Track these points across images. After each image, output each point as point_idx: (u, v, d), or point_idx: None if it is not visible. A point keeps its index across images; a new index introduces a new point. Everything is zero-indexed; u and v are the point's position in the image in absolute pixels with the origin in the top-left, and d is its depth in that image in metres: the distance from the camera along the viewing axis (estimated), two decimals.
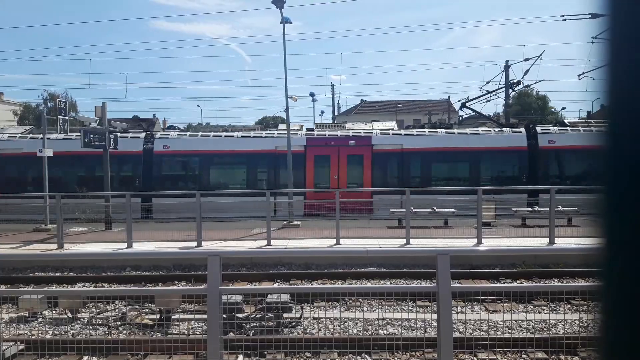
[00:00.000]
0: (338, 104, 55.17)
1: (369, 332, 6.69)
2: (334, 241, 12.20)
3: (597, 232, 0.63)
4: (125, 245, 12.11)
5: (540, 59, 25.97)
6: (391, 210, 15.17)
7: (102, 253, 10.59)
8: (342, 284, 9.31)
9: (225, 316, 5.50)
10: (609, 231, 0.63)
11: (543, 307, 7.60)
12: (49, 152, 15.98)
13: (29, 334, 6.83)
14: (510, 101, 34.81)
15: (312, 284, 9.32)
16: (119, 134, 17.53)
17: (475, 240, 11.95)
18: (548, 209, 12.35)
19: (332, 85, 51.10)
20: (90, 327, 7.04)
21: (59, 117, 16.00)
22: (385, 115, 49.87)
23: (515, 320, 6.90)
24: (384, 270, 10.22)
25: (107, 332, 6.88)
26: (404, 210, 12.89)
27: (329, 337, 6.32)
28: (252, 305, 7.49)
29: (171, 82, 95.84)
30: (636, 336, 0.60)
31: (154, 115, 58.10)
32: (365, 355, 5.80)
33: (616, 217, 0.62)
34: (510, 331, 6.60)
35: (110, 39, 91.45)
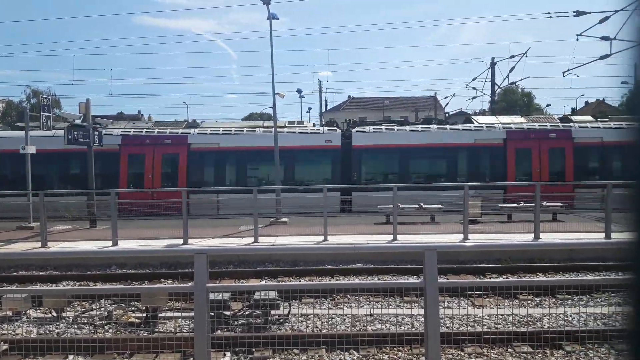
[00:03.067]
0: (325, 100, 55.12)
1: (357, 328, 6.70)
2: (321, 237, 12.20)
3: (629, 226, 0.63)
4: (110, 243, 11.99)
5: (526, 56, 26.29)
6: (379, 206, 15.24)
7: (87, 251, 10.47)
8: (330, 281, 9.31)
9: (212, 314, 5.47)
10: None
11: (528, 302, 7.68)
12: (32, 150, 15.76)
13: (13, 333, 6.73)
14: (496, 98, 35.10)
15: (299, 281, 9.31)
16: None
17: (462, 236, 12.04)
18: (533, 204, 12.49)
19: (320, 82, 51.05)
20: (76, 326, 6.96)
21: (42, 113, 15.75)
22: (372, 112, 50.04)
23: (502, 315, 6.96)
24: (372, 266, 10.25)
25: (92, 331, 6.81)
26: (391, 206, 12.93)
27: (317, 333, 6.32)
28: (239, 303, 7.46)
29: (156, 78, 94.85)
30: None
31: (139, 111, 57.55)
32: (353, 351, 5.81)
33: None
34: (496, 325, 6.66)
35: (94, 34, 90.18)
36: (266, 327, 6.72)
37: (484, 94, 31.58)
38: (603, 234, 11.87)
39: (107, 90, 49.52)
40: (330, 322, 6.96)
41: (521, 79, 56.61)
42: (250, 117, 57.75)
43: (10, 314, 7.26)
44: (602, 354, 5.62)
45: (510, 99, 51.03)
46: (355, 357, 5.70)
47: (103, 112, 40.32)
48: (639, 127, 0.63)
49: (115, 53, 64.50)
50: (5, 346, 5.90)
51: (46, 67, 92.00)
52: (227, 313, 6.93)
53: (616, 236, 11.79)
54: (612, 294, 7.60)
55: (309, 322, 6.99)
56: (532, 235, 12.01)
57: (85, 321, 7.18)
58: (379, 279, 9.44)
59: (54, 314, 7.31)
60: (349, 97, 62.64)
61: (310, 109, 68.19)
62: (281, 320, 6.99)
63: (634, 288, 0.64)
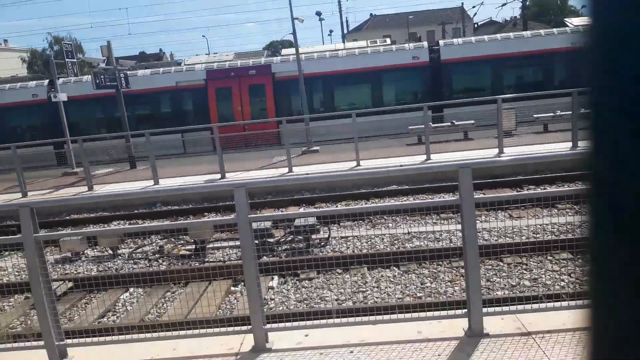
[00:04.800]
0: (347, 21, 53.19)
1: (396, 247, 6.92)
2: (354, 163, 12.28)
3: (586, 135, 0.62)
4: (152, 182, 12.44)
5: None
6: (409, 127, 15.06)
7: (132, 192, 10.93)
8: (366, 204, 9.49)
9: (257, 242, 5.74)
10: (597, 134, 0.62)
11: (567, 210, 7.68)
12: (63, 97, 16.06)
13: (75, 272, 7.27)
14: (527, 3, 33.00)
15: (337, 206, 9.53)
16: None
17: (497, 150, 11.90)
18: (570, 112, 12.10)
19: (339, 2, 49.04)
20: (132, 262, 7.44)
21: (67, 60, 15.88)
22: (397, 29, 48.03)
23: (540, 225, 7.02)
24: (407, 187, 10.33)
25: (148, 265, 7.27)
26: (423, 125, 12.78)
27: (357, 253, 6.57)
28: (281, 230, 7.76)
29: (174, 13, 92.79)
30: (621, 235, 0.61)
31: (160, 49, 57.11)
32: (394, 268, 6.04)
33: (604, 120, 0.61)
34: (535, 235, 6.74)
35: None
36: (309, 251, 7.02)
37: None
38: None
39: (125, 30, 49.16)
40: (369, 243, 7.19)
41: None
42: (271, 46, 56.47)
43: (70, 255, 7.79)
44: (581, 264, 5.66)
45: (543, 2, 47.87)
46: (396, 273, 5.93)
47: (124, 53, 40.23)
48: (594, 30, 0.60)
49: None
50: (70, 284, 6.40)
51: (63, 11, 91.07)
52: (271, 240, 7.24)
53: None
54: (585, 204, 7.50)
55: (349, 244, 7.24)
56: (570, 144, 11.76)
57: (140, 256, 7.65)
58: (414, 199, 9.56)
59: (110, 252, 7.81)
60: (371, 15, 60.07)
61: (331, 31, 66.01)
62: (322, 243, 7.27)
63: (592, 199, 0.65)
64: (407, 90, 19.37)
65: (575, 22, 20.46)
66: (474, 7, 64.97)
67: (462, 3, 48.44)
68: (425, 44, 19.85)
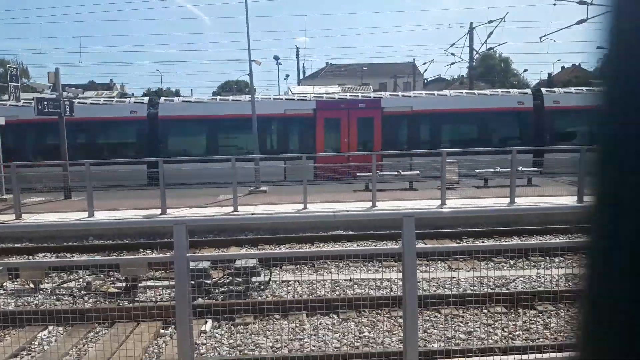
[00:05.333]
0: (303, 67, 54.41)
1: (337, 293, 6.82)
2: (301, 206, 12.24)
3: (591, 190, 0.65)
4: (86, 214, 11.84)
5: (504, 21, 26.23)
6: (358, 174, 15.30)
7: (63, 223, 10.32)
8: (310, 248, 9.40)
9: (193, 282, 5.49)
10: (601, 190, 0.64)
11: (503, 264, 7.90)
12: (1, 121, 15.28)
13: None
14: (474, 63, 35.12)
15: (280, 248, 9.38)
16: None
17: (439, 202, 12.22)
18: (509, 169, 12.70)
19: (297, 48, 50.25)
20: (54, 297, 6.92)
21: (10, 83, 15.20)
22: (351, 78, 49.55)
23: (477, 277, 7.16)
24: (351, 232, 10.36)
25: (72, 302, 6.78)
26: (371, 173, 13.00)
27: (297, 299, 6.41)
28: (220, 271, 7.50)
29: (128, 46, 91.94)
30: (618, 289, 0.63)
31: (111, 80, 56.08)
32: (333, 315, 5.93)
33: (609, 176, 0.63)
34: (472, 288, 6.86)
35: (62, 2, 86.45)
36: (247, 294, 6.79)
37: (462, 59, 31.52)
38: (576, 197, 12.19)
39: (76, 58, 48.00)
40: (310, 288, 7.07)
41: (499, 44, 56.81)
42: (226, 85, 56.78)
43: None
44: (572, 313, 5.85)
45: (489, 65, 51.15)
46: (335, 321, 5.82)
47: (73, 81, 39.16)
48: (603, 92, 0.63)
49: (83, 20, 62.28)
50: None
51: (13, 35, 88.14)
52: (208, 281, 6.96)
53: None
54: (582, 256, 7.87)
55: (289, 288, 7.08)
56: (507, 200, 12.27)
57: (64, 292, 7.14)
58: (358, 245, 9.57)
59: (32, 285, 7.25)
60: (327, 63, 61.90)
61: (287, 76, 67.18)
62: (262, 287, 7.07)
63: (591, 251, 0.67)
64: (508, 132, 20.02)
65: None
66: (424, 63, 68.80)
67: (414, 59, 50.81)
68: (528, 91, 20.65)
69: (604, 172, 0.64)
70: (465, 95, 20.33)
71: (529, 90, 20.99)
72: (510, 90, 21.64)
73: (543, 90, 20.89)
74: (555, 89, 21.15)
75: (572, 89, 20.95)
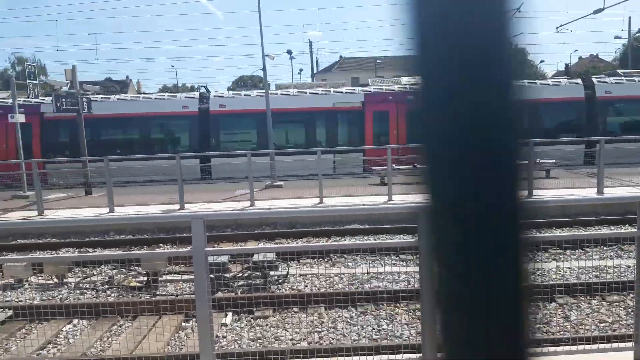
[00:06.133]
0: (316, 61, 54.38)
1: (354, 287, 6.86)
2: (317, 200, 12.28)
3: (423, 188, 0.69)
4: (107, 210, 12.04)
5: (519, 11, 25.80)
6: (373, 167, 15.26)
7: (84, 219, 10.51)
8: (326, 242, 9.44)
9: (212, 276, 5.57)
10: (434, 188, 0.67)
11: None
12: (21, 118, 15.56)
13: (17, 300, 6.84)
14: None
15: (297, 242, 9.44)
16: None
17: None
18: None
19: (310, 42, 50.16)
20: (78, 292, 7.08)
21: (28, 81, 15.50)
22: (365, 72, 49.37)
23: None
24: (368, 226, 10.37)
25: (95, 296, 6.93)
26: (386, 167, 12.98)
27: (315, 292, 6.46)
28: (238, 265, 7.58)
29: (142, 42, 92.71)
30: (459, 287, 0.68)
31: (127, 76, 56.66)
32: (351, 308, 5.96)
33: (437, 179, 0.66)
34: None
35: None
36: (265, 288, 6.86)
37: None
38: (595, 190, 12.04)
39: (92, 55, 48.64)
40: (328, 281, 7.11)
41: (514, 35, 55.72)
42: (241, 80, 56.94)
43: (12, 281, 7.35)
44: (593, 305, 5.81)
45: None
46: (353, 314, 5.85)
47: (90, 78, 39.59)
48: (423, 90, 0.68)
49: (99, 17, 62.87)
50: (10, 312, 6.01)
51: (29, 33, 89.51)
52: (227, 275, 7.05)
53: (607, 191, 11.96)
54: (604, 248, 7.78)
55: (307, 281, 7.13)
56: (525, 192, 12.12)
57: (88, 286, 7.29)
58: (375, 239, 9.58)
59: (56, 280, 7.42)
60: (341, 57, 61.66)
61: (301, 70, 67.14)
62: (280, 280, 7.13)
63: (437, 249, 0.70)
64: (566, 123, 19.58)
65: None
66: None
67: None
68: (579, 81, 20.11)
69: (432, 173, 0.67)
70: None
71: (579, 81, 20.38)
72: (562, 79, 21.07)
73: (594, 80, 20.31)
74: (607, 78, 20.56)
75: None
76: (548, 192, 12.09)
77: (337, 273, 7.38)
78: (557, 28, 23.95)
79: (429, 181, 0.65)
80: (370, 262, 7.91)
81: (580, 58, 53.50)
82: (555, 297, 5.95)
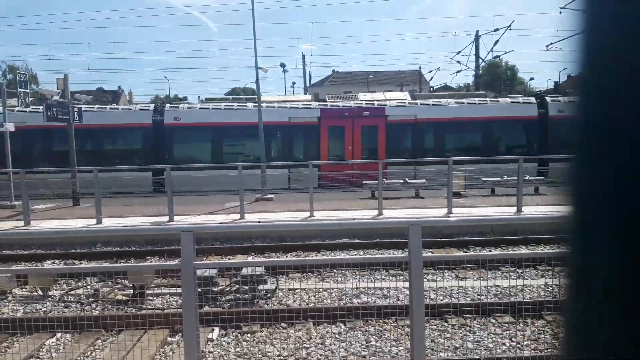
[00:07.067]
0: (309, 74, 54.63)
1: (343, 302, 6.81)
2: (307, 214, 12.25)
3: (567, 200, 0.65)
4: (94, 221, 11.90)
5: (510, 29, 26.25)
6: (364, 182, 15.30)
7: (71, 230, 10.38)
8: (316, 256, 9.39)
9: (200, 290, 5.50)
10: (578, 200, 0.65)
11: (510, 273, 7.86)
12: (10, 127, 15.42)
13: None
14: (480, 72, 35.11)
15: (286, 256, 9.38)
16: None
17: (446, 210, 12.18)
18: (516, 178, 12.66)
19: (303, 56, 50.41)
20: (62, 305, 6.95)
21: (19, 90, 15.39)
22: (357, 86, 49.66)
23: (484, 287, 7.12)
24: (358, 241, 10.34)
25: (80, 309, 6.81)
26: (377, 181, 13.00)
27: (304, 307, 6.40)
28: (227, 279, 7.51)
29: (136, 52, 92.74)
30: (597, 300, 0.62)
31: (119, 87, 56.51)
32: (340, 324, 5.91)
33: (585, 186, 0.64)
34: (479, 297, 6.82)
35: (70, 8, 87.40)
36: (254, 302, 6.79)
37: (468, 67, 31.60)
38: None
39: (85, 65, 48.52)
40: (317, 296, 7.05)
41: (505, 53, 56.65)
42: (233, 92, 56.99)
43: None
44: (556, 323, 5.80)
45: (495, 73, 51.06)
46: (342, 330, 5.80)
47: (82, 87, 39.46)
48: (578, 101, 0.65)
49: (92, 27, 62.90)
50: None
51: (22, 41, 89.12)
52: (215, 289, 6.97)
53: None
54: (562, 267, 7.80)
55: (296, 296, 7.07)
56: (515, 209, 12.21)
57: (72, 299, 7.17)
58: (364, 253, 9.55)
59: (40, 292, 7.29)
60: (334, 71, 62.03)
61: (294, 83, 67.56)
62: (268, 295, 7.06)
63: (570, 261, 0.67)
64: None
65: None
66: (430, 71, 68.91)
67: (420, 67, 50.86)
68: (532, 100, 20.47)
69: (579, 182, 0.65)
70: (466, 105, 20.12)
71: (533, 99, 20.81)
72: (518, 97, 21.46)
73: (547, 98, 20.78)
74: (560, 97, 21.06)
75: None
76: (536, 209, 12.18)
77: (326, 288, 7.33)
78: (547, 46, 24.24)
79: (584, 193, 0.62)
80: (360, 277, 7.87)
81: (569, 76, 54.20)
82: (543, 314, 5.95)
